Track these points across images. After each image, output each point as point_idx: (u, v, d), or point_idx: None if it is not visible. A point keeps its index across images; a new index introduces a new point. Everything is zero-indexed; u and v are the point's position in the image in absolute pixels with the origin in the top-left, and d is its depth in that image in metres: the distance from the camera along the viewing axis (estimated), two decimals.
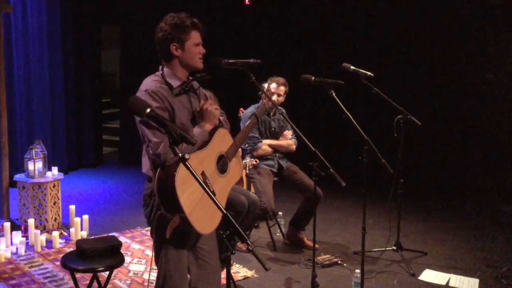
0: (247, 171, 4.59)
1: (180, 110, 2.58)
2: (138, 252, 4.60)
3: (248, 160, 4.49)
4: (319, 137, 5.61)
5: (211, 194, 1.90)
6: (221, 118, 2.78)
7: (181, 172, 2.34)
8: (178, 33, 2.56)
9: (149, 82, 2.57)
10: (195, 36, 2.60)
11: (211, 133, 2.64)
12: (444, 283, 4.13)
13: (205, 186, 1.91)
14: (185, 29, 2.56)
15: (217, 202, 1.90)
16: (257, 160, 4.56)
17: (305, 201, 4.70)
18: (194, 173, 1.91)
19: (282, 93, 4.65)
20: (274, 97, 4.58)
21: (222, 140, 2.70)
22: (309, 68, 5.94)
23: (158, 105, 2.48)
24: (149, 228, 2.69)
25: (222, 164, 2.67)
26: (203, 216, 2.44)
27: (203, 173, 2.51)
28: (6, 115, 5.12)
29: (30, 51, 6.70)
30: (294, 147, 4.78)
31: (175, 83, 2.60)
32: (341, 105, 3.41)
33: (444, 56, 6.87)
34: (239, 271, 4.23)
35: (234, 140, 2.80)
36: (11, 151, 5.73)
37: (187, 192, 2.37)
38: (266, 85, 4.66)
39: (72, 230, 4.84)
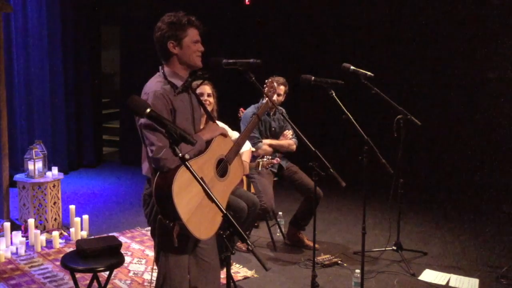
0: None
1: (181, 109, 2.59)
2: (138, 252, 4.60)
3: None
4: (319, 137, 5.62)
5: (211, 194, 1.90)
6: None
7: (178, 180, 2.33)
8: (175, 31, 2.56)
9: (154, 84, 2.57)
10: (192, 34, 2.60)
11: (209, 140, 2.64)
12: (444, 283, 4.12)
13: (205, 187, 1.91)
14: (182, 26, 2.57)
15: (217, 202, 1.90)
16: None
17: (305, 201, 4.69)
18: (194, 173, 1.91)
19: (282, 92, 4.65)
20: (274, 97, 4.58)
21: (221, 144, 2.69)
22: (309, 68, 5.94)
23: (166, 106, 2.49)
24: (149, 228, 2.69)
25: (222, 168, 2.66)
26: (202, 222, 2.44)
27: (201, 180, 2.51)
28: (6, 115, 5.12)
29: (30, 51, 6.70)
30: (294, 147, 4.77)
31: (178, 82, 2.60)
32: (341, 105, 3.41)
33: (445, 56, 6.87)
34: (239, 271, 4.23)
35: (234, 142, 2.80)
36: (11, 151, 5.73)
37: (185, 199, 2.36)
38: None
39: (72, 230, 4.84)
